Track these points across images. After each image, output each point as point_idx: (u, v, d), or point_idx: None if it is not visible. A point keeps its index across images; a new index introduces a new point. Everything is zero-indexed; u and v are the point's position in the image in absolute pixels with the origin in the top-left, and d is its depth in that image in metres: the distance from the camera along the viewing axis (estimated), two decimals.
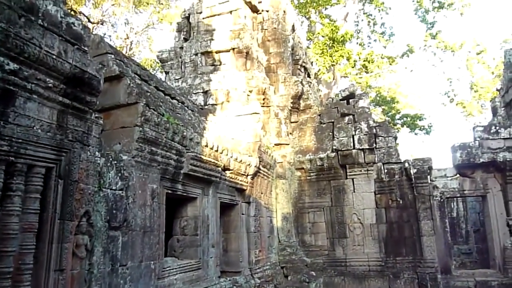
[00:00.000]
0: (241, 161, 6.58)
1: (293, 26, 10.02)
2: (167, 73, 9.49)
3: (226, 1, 9.09)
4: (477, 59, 16.16)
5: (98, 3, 18.27)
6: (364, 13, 18.84)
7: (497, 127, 8.06)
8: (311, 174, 8.85)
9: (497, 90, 13.93)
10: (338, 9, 17.66)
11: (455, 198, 11.28)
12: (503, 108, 9.91)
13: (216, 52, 8.77)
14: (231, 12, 9.03)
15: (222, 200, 6.33)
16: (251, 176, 7.05)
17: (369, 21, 18.69)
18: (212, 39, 8.87)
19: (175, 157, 4.83)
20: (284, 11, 9.75)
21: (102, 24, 19.44)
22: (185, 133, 4.93)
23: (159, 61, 9.94)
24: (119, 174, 3.75)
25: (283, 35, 9.51)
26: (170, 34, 21.10)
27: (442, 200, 8.25)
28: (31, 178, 2.80)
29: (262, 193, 7.87)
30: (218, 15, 9.19)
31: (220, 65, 8.83)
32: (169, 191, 4.88)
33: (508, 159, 7.64)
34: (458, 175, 8.37)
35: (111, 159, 3.66)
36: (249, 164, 6.85)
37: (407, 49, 17.66)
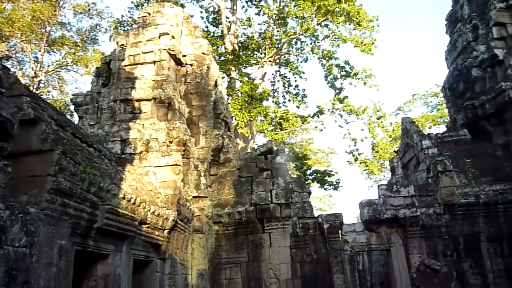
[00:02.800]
0: (158, 214, 6.31)
1: (216, 81, 10.32)
2: (80, 117, 8.98)
3: (150, 51, 9.11)
4: (377, 123, 18.07)
5: (6, 37, 17.02)
6: (280, 75, 20.22)
7: (398, 186, 8.90)
8: (229, 228, 8.77)
9: (394, 152, 15.55)
10: (257, 68, 18.73)
11: (362, 252, 11.92)
12: (401, 169, 11.06)
13: (137, 101, 8.59)
14: (155, 62, 9.04)
15: (136, 257, 5.92)
16: (168, 230, 6.76)
17: (284, 82, 20.05)
18: (134, 87, 8.70)
19: (89, 209, 4.46)
20: (208, 67, 10.04)
21: (7, 59, 18.01)
22: (102, 184, 4.62)
23: (73, 105, 9.39)
24: (24, 229, 3.33)
25: (206, 89, 9.72)
26: (86, 78, 20.23)
27: (352, 254, 8.68)
28: None
29: (178, 249, 7.54)
30: (141, 64, 9.13)
31: (140, 113, 8.63)
32: (79, 248, 4.44)
33: (407, 216, 8.41)
34: (365, 230, 8.94)
35: (16, 211, 3.25)
36: (166, 218, 6.58)
37: (318, 110, 19.13)
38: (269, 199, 8.73)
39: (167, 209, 6.71)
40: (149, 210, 5.95)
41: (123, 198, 5.20)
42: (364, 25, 17.73)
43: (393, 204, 8.55)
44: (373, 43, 18.10)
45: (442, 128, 16.97)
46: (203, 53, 10.16)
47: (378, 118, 18.19)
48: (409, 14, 56.39)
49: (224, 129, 10.32)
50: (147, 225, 6.04)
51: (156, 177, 7.37)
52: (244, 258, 8.66)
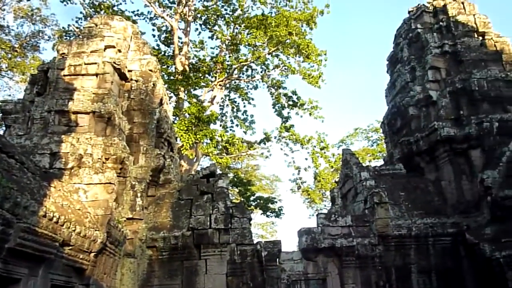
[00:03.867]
0: (85, 235, 5.83)
1: (161, 99, 10.05)
2: (8, 127, 8.28)
3: (94, 63, 8.71)
4: (321, 153, 18.55)
5: None
6: (229, 99, 20.30)
7: (336, 216, 9.04)
8: (164, 253, 8.33)
9: (335, 182, 15.94)
10: (206, 91, 18.66)
11: (299, 281, 11.85)
12: (340, 199, 11.30)
13: (74, 113, 8.09)
14: (97, 75, 8.64)
15: (54, 282, 5.37)
16: (95, 253, 6.26)
17: (233, 107, 20.13)
18: (72, 99, 8.21)
19: (1, 227, 3.99)
20: (154, 84, 9.77)
21: None
22: (18, 199, 4.17)
23: (1, 112, 8.65)
24: None
25: (150, 106, 9.41)
26: (21, 86, 18.95)
27: (288, 283, 8.58)
28: None
29: (105, 274, 6.99)
30: (83, 75, 8.68)
31: (76, 126, 8.12)
32: None
33: (344, 245, 8.51)
34: (303, 259, 8.91)
35: None
36: (94, 240, 6.10)
37: (265, 137, 19.31)
38: (208, 223, 8.46)
39: (96, 230, 6.24)
40: (74, 230, 5.48)
41: (44, 216, 4.74)
42: (312, 59, 18.42)
43: (331, 233, 8.63)
44: (320, 77, 18.80)
45: (380, 162, 17.77)
46: (150, 70, 9.90)
47: (321, 149, 18.69)
48: (355, 52, 59.83)
49: (166, 149, 9.99)
50: (70, 247, 5.54)
51: (86, 195, 6.86)
52: (177, 285, 8.23)
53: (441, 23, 11.40)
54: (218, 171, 9.90)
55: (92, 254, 6.21)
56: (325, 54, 18.67)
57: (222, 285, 8.24)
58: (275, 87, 19.57)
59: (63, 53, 9.00)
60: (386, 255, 8.78)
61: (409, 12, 12.50)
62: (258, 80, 19.88)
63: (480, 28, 11.05)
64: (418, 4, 12.18)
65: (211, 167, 9.71)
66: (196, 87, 17.66)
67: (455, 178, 9.68)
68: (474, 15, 11.27)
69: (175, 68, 17.86)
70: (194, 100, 17.43)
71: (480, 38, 11.03)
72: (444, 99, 10.35)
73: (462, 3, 11.59)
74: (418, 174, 10.55)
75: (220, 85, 18.56)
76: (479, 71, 10.16)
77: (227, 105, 20.24)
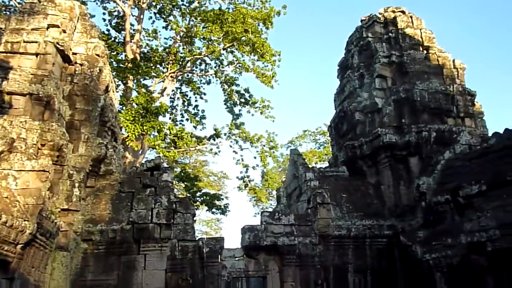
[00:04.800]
0: (11, 225, 5.41)
1: (107, 87, 9.59)
2: None
3: (34, 41, 8.12)
4: (270, 153, 18.72)
5: None
6: (180, 93, 19.87)
7: (280, 214, 9.13)
8: (100, 247, 7.95)
9: (282, 182, 16.14)
10: (157, 82, 18.13)
11: (240, 278, 11.87)
12: (285, 198, 11.44)
13: (8, 93, 7.48)
14: (37, 54, 8.07)
15: None
16: (23, 245, 5.83)
17: (184, 101, 19.73)
18: (6, 78, 7.59)
19: None
20: (100, 70, 9.30)
21: None
22: None
23: None
24: None
25: (94, 93, 8.94)
26: None
27: (229, 280, 8.54)
28: None
29: (33, 268, 6.53)
30: (21, 53, 8.07)
31: (10, 108, 7.51)
32: None
33: (286, 244, 8.62)
34: (245, 256, 8.90)
35: None
36: (22, 231, 5.67)
37: (215, 133, 19.13)
38: (149, 218, 8.19)
39: (25, 220, 5.80)
40: None
41: None
42: (267, 58, 18.51)
43: (273, 231, 8.70)
44: (273, 77, 18.95)
45: (326, 164, 18.25)
46: (97, 55, 9.40)
47: (270, 148, 18.86)
48: (308, 56, 61.19)
49: (109, 139, 9.54)
50: None
51: (16, 183, 6.36)
52: (113, 281, 7.89)
53: (390, 34, 11.90)
54: (164, 165, 9.63)
55: (19, 246, 5.77)
56: (279, 55, 18.85)
57: (161, 281, 8.02)
58: (228, 84, 19.45)
59: (0, 28, 8.31)
60: (325, 254, 9.01)
61: (361, 20, 12.92)
62: (211, 75, 19.67)
63: (425, 42, 11.67)
64: (370, 14, 12.62)
65: (156, 160, 9.42)
66: (146, 77, 17.09)
67: (394, 182, 10.15)
68: (421, 29, 11.88)
69: (125, 55, 17.17)
70: (143, 90, 16.87)
71: (425, 51, 11.64)
72: (389, 107, 10.81)
73: (411, 17, 12.18)
74: (360, 177, 10.95)
75: (171, 77, 18.11)
76: (422, 83, 10.72)
77: (178, 98, 19.82)
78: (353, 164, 11.10)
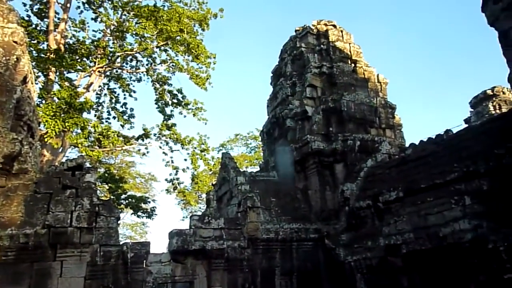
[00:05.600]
0: None
1: (25, 77, 8.76)
2: None
3: None
4: (201, 155, 18.46)
5: None
6: (108, 89, 18.85)
7: (209, 218, 9.02)
8: (9, 253, 7.17)
9: (212, 185, 16.00)
10: (82, 76, 17.02)
11: (166, 284, 11.49)
12: (215, 202, 11.34)
13: None
14: None
15: None
16: None
17: (112, 98, 18.74)
18: None
19: None
20: (18, 59, 8.47)
21: None
22: None
23: None
24: None
25: (9, 83, 8.10)
26: None
27: (154, 286, 8.21)
28: None
29: None
30: None
31: None
32: None
33: (214, 248, 8.52)
34: (172, 261, 8.64)
35: None
36: None
37: (144, 133, 18.43)
38: (69, 221, 7.59)
39: None
40: None
41: None
42: (202, 60, 18.31)
43: (202, 235, 8.56)
44: (207, 79, 18.78)
45: (257, 169, 18.47)
46: (15, 42, 8.56)
47: (202, 151, 18.61)
48: (243, 61, 61.82)
49: (25, 135, 8.72)
50: None
51: None
52: None
53: (322, 46, 12.42)
54: (87, 165, 9.00)
55: None
56: (215, 57, 18.75)
57: None
58: (160, 83, 18.89)
59: None
60: (254, 258, 9.07)
61: (296, 31, 13.33)
62: (142, 72, 18.94)
63: (353, 56, 12.36)
64: (305, 25, 13.08)
65: (78, 159, 8.78)
66: (71, 70, 15.94)
67: (321, 188, 10.56)
68: (350, 43, 12.56)
69: (48, 45, 15.87)
70: (67, 83, 15.72)
71: (353, 65, 12.33)
72: (318, 115, 11.25)
73: (341, 31, 12.83)
74: (290, 182, 11.23)
75: (99, 71, 17.12)
76: (349, 94, 11.32)
77: (105, 94, 18.79)
78: (283, 169, 11.35)
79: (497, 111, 16.67)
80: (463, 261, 6.32)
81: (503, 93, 17.47)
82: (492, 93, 17.86)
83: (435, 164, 8.00)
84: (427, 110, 53.04)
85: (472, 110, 18.66)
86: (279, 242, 9.37)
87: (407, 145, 10.73)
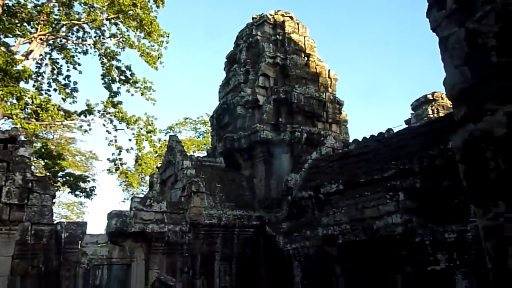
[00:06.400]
0: None
1: None
2: None
3: None
4: (146, 136, 17.88)
5: None
6: (50, 59, 17.62)
7: (151, 201, 8.84)
8: None
9: (157, 167, 15.67)
10: (22, 42, 15.75)
11: (101, 266, 11.16)
12: (159, 184, 11.12)
13: None
14: None
15: None
16: None
17: (53, 68, 17.54)
18: None
19: None
20: None
21: None
22: None
23: None
24: None
25: None
26: None
27: (88, 267, 7.93)
28: None
29: None
30: None
31: None
32: None
33: (155, 231, 8.38)
34: (109, 243, 8.39)
35: None
36: None
37: (87, 109, 17.51)
38: None
39: None
40: None
41: None
42: (154, 38, 17.63)
43: (143, 218, 8.38)
44: (159, 58, 18.15)
45: (204, 154, 18.30)
46: None
47: (148, 132, 18.04)
48: (198, 43, 60.60)
49: None
50: None
51: None
52: None
53: (278, 36, 12.48)
54: (22, 138, 8.41)
55: None
56: (168, 36, 18.13)
57: (5, 269, 7.03)
58: (108, 58, 17.94)
59: None
60: (195, 242, 9.04)
61: (253, 18, 13.27)
62: (89, 45, 17.87)
63: (307, 50, 12.56)
64: (262, 14, 13.05)
65: (12, 131, 8.18)
66: (8, 35, 14.68)
67: (266, 176, 10.71)
68: (305, 37, 12.74)
69: None
70: (3, 49, 14.47)
71: (306, 58, 12.53)
72: (269, 105, 11.35)
73: (298, 23, 12.97)
74: (236, 169, 11.28)
75: (41, 39, 15.91)
76: (300, 87, 11.52)
77: (47, 64, 17.53)
78: (231, 156, 11.37)
79: (435, 115, 17.82)
80: (393, 252, 6.74)
81: (442, 98, 18.67)
82: (432, 98, 19.05)
83: (375, 160, 8.40)
84: (373, 108, 55.48)
85: (413, 112, 19.80)
86: (221, 228, 9.41)
87: (351, 140, 11.17)
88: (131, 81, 18.12)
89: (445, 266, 6.00)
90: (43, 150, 18.31)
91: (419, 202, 6.76)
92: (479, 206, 1.03)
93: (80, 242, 7.81)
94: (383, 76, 55.44)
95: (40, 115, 14.91)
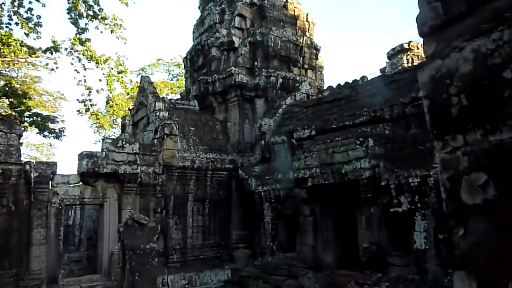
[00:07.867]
0: None
1: None
2: None
3: None
4: (117, 77, 17.25)
5: None
6: None
7: (124, 142, 8.75)
8: None
9: (129, 109, 15.35)
10: None
11: (74, 206, 11.23)
12: (131, 126, 10.97)
13: None
14: None
15: None
16: None
17: (14, 1, 16.28)
18: None
19: None
20: None
21: None
22: None
23: None
24: None
25: None
26: None
27: (60, 207, 7.94)
28: None
29: None
30: None
31: None
32: None
33: (127, 172, 8.39)
34: (81, 183, 8.37)
35: None
36: None
37: (53, 46, 16.59)
38: None
39: None
40: None
41: None
42: None
43: (115, 159, 8.33)
44: None
45: (177, 97, 17.97)
46: None
47: (119, 72, 17.39)
48: None
49: None
50: None
51: None
52: None
53: None
54: None
55: None
56: None
57: None
58: None
59: None
60: (168, 184, 9.15)
61: None
62: None
63: None
64: None
65: None
66: None
67: (240, 121, 10.72)
68: None
69: None
70: None
71: (284, 0, 12.10)
72: (244, 47, 11.07)
73: None
74: (210, 113, 11.21)
75: None
76: (277, 30, 11.23)
77: None
78: (205, 99, 11.24)
79: (409, 64, 17.95)
80: (359, 195, 7.06)
81: (418, 48, 18.70)
82: (407, 47, 19.04)
83: (347, 107, 8.51)
84: (349, 56, 55.21)
85: (388, 61, 19.85)
86: (195, 170, 9.51)
87: (325, 87, 11.19)
88: (99, 17, 17.09)
89: (407, 208, 6.37)
90: (7, 88, 17.50)
91: (387, 148, 6.99)
92: (439, 139, 1.07)
93: (50, 182, 7.74)
94: (361, 25, 54.63)
95: (2, 50, 14.07)
